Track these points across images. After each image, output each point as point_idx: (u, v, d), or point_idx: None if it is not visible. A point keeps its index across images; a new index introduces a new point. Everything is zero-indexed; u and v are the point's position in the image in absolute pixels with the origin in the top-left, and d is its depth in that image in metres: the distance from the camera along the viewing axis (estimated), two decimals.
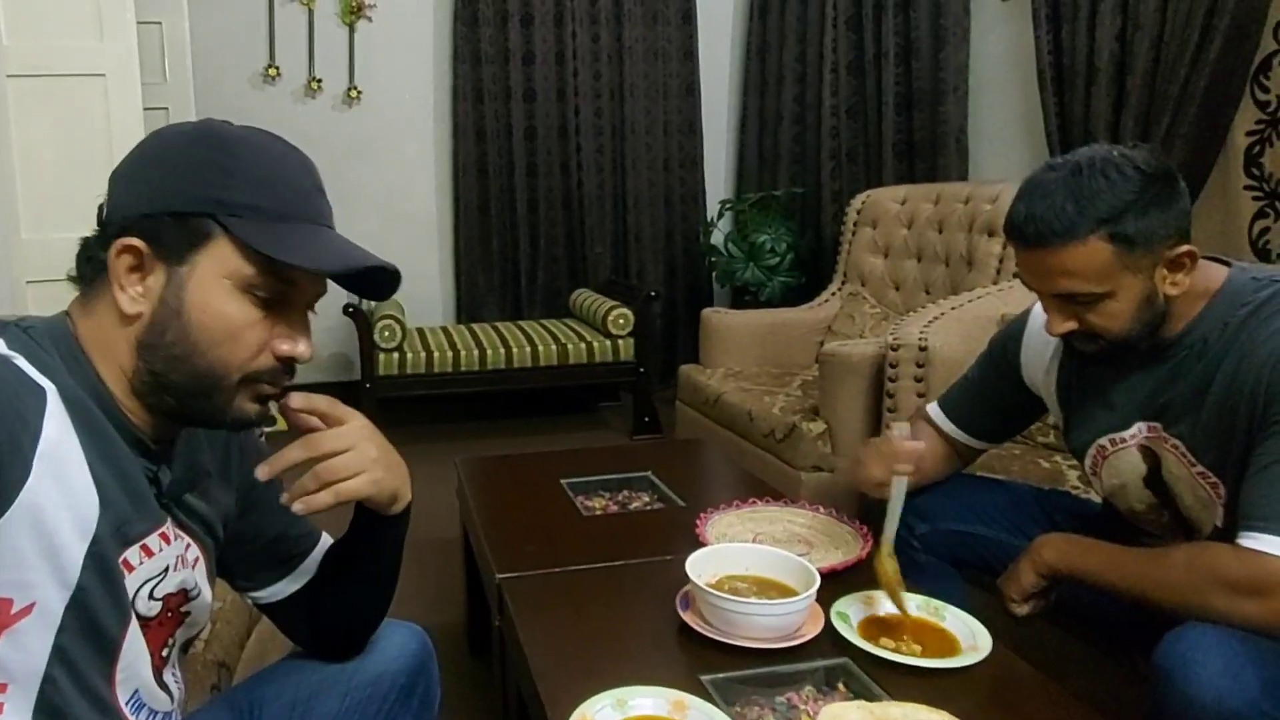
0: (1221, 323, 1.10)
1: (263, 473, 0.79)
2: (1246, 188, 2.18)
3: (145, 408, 0.76)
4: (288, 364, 0.78)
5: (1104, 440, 1.24)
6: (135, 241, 0.72)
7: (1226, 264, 1.15)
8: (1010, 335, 1.37)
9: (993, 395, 1.40)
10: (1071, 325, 1.12)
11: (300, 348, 0.77)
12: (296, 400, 0.80)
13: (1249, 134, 2.17)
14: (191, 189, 0.72)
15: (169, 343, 0.73)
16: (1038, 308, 1.30)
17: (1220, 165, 2.24)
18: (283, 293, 0.75)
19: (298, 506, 0.80)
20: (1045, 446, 1.90)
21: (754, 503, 1.54)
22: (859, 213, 3.21)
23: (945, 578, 1.37)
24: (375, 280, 0.79)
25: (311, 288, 0.78)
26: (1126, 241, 1.04)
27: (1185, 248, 1.07)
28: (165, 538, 0.79)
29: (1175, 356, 1.14)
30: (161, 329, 0.73)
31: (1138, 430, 1.20)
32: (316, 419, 0.81)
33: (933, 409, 1.46)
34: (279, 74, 3.85)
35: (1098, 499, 1.45)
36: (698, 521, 1.44)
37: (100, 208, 0.76)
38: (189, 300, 0.72)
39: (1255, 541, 1.00)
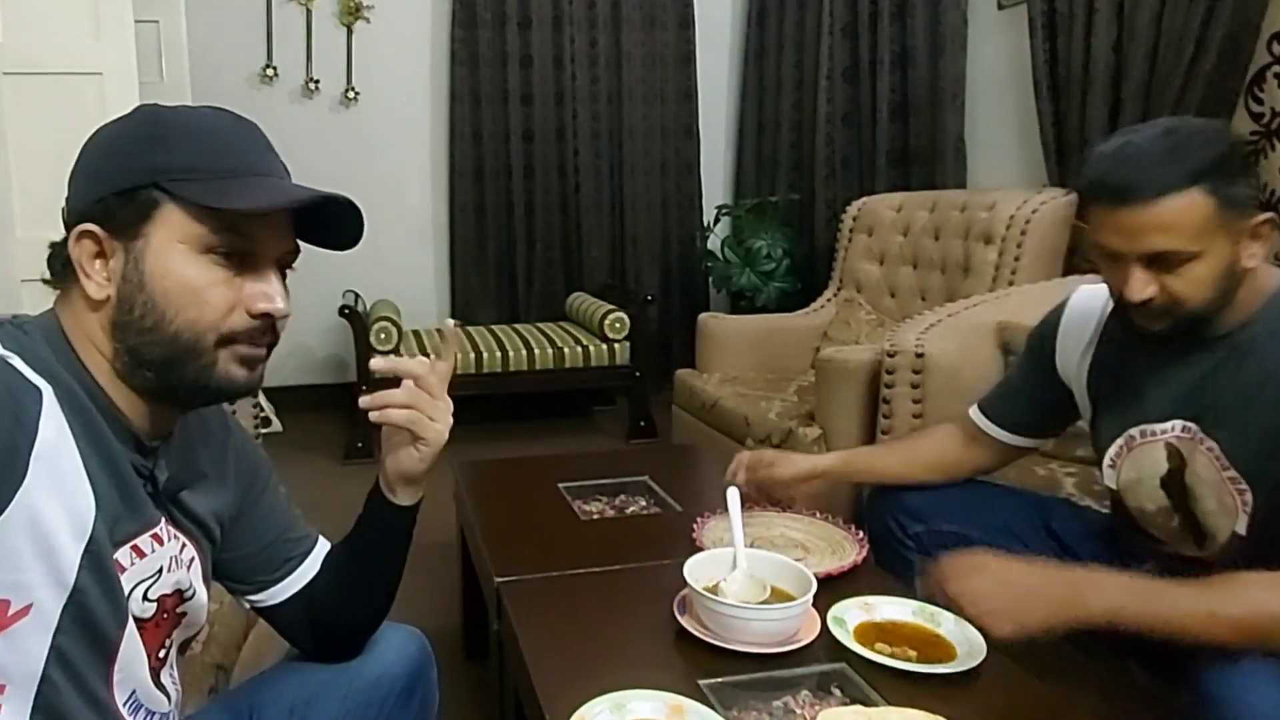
0: (1276, 320, 1.08)
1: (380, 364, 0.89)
2: None
3: (134, 394, 0.76)
4: (265, 322, 0.77)
5: (1135, 430, 1.22)
6: (90, 227, 0.73)
7: None
8: (1046, 326, 1.36)
9: (1028, 389, 1.40)
10: (1153, 290, 1.07)
11: (276, 302, 0.77)
12: (379, 364, 0.88)
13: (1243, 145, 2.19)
14: (129, 163, 0.74)
15: (138, 317, 0.73)
16: (1075, 298, 1.30)
17: None
18: (244, 248, 0.75)
19: (371, 406, 0.87)
20: (1043, 455, 1.91)
21: (751, 508, 1.54)
22: (855, 219, 3.22)
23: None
24: (336, 224, 0.80)
25: (274, 241, 0.77)
26: (1225, 198, 1.02)
27: (1267, 215, 1.06)
28: (158, 538, 0.78)
29: (1220, 352, 1.11)
30: (129, 305, 0.73)
31: (1172, 427, 1.17)
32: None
33: (972, 411, 1.46)
34: (276, 74, 3.85)
35: (1095, 508, 1.45)
36: (695, 526, 1.44)
37: (63, 210, 0.77)
38: (148, 271, 0.73)
39: None
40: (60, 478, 0.67)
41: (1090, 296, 1.30)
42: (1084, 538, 1.37)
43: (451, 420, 0.90)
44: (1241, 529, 1.13)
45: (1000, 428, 1.42)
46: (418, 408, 0.87)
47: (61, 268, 0.76)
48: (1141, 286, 1.07)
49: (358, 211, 0.80)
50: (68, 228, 0.75)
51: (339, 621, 0.98)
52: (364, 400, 0.88)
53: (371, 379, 3.51)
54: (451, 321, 0.92)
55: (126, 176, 0.73)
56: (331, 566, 0.99)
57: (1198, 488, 1.16)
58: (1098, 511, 1.48)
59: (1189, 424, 1.16)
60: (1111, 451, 1.26)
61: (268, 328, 0.78)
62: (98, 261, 0.74)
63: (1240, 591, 0.98)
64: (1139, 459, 1.23)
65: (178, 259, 0.73)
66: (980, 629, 1.09)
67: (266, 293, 0.76)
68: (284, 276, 0.80)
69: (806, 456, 1.35)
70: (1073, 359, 1.31)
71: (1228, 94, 2.17)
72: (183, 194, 0.72)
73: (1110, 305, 1.22)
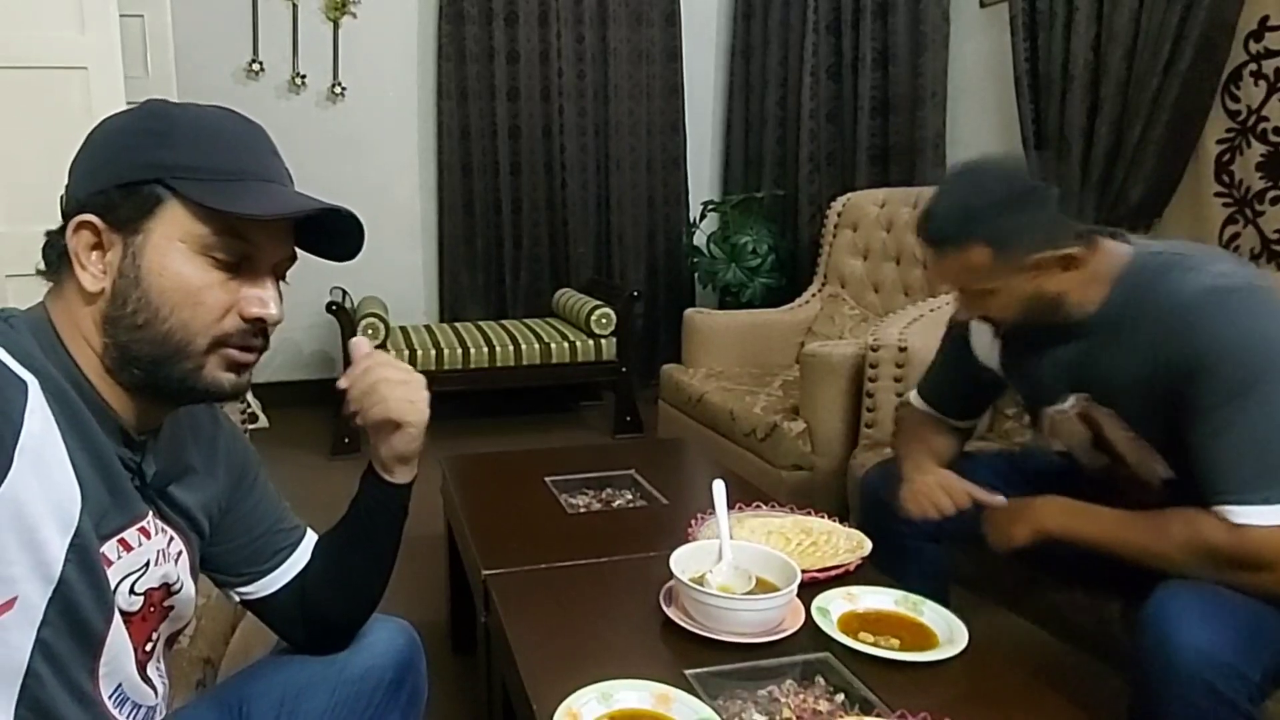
0: (1128, 298, 1.19)
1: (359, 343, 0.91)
2: (1217, 195, 2.23)
3: (121, 389, 0.75)
4: (258, 327, 0.77)
5: (1049, 409, 1.35)
6: (89, 218, 0.73)
7: (1129, 241, 1.25)
8: (959, 321, 1.49)
9: (956, 374, 1.50)
10: (971, 310, 1.28)
11: (271, 309, 0.76)
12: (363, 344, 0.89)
13: (1219, 142, 2.22)
14: (134, 157, 0.73)
15: (131, 312, 0.73)
16: None
17: (1191, 172, 2.29)
18: (243, 252, 0.75)
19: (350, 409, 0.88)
20: (981, 440, 1.94)
21: (758, 506, 1.54)
22: (839, 215, 3.25)
23: (929, 552, 1.46)
24: (337, 235, 0.80)
25: (273, 248, 0.77)
26: (1004, 246, 1.17)
27: (1065, 251, 1.18)
28: (145, 532, 0.78)
29: (1092, 334, 1.23)
30: (123, 300, 0.73)
31: (1074, 401, 1.30)
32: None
33: (913, 397, 1.56)
34: (262, 69, 3.83)
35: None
36: (691, 524, 1.44)
37: (61, 199, 0.77)
38: (145, 266, 0.72)
39: (1238, 515, 1.07)
40: (45, 471, 0.67)
41: None
42: (1063, 484, 1.43)
43: (427, 393, 0.90)
44: (1165, 473, 1.25)
45: (940, 412, 1.52)
46: (386, 393, 0.88)
47: (57, 259, 0.75)
48: (964, 309, 1.30)
49: (360, 225, 0.80)
50: (66, 218, 0.75)
51: (331, 611, 0.98)
52: (347, 409, 0.89)
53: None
54: (362, 340, 0.93)
55: (131, 170, 0.73)
56: (324, 555, 0.99)
57: (1117, 445, 1.29)
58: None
59: (1083, 397, 1.29)
60: (1044, 427, 1.39)
61: (259, 332, 0.77)
62: (94, 253, 0.74)
63: (1158, 522, 1.15)
64: (1064, 432, 1.35)
65: (176, 257, 0.73)
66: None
67: (262, 298, 0.76)
68: (279, 283, 0.80)
69: (947, 489, 1.41)
70: (985, 347, 1.44)
71: (1204, 92, 2.20)
72: (187, 193, 0.72)
73: None
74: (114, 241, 0.73)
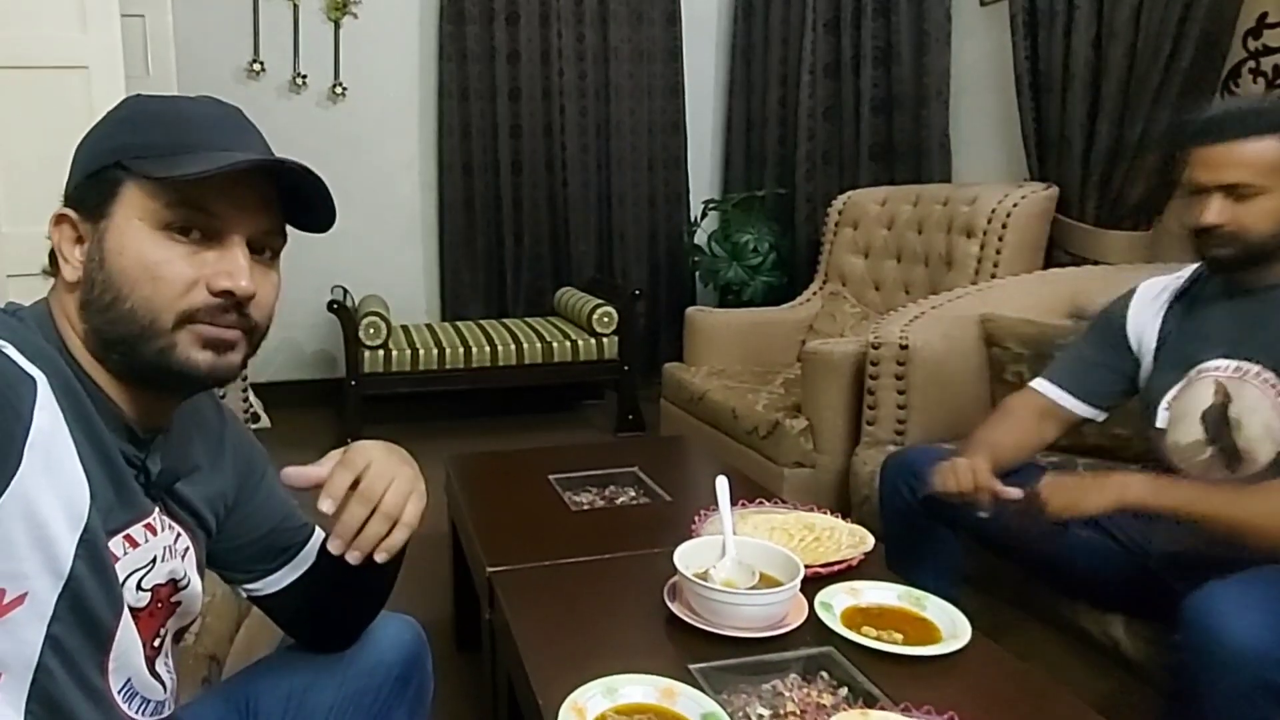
0: None
1: (326, 505, 0.79)
2: None
3: (117, 380, 0.76)
4: (229, 301, 0.74)
5: (1193, 371, 1.37)
6: (65, 211, 0.74)
7: None
8: (1117, 305, 1.53)
9: (1101, 359, 1.52)
10: (1224, 218, 1.28)
11: (240, 281, 0.73)
12: (326, 504, 0.79)
13: None
14: (98, 145, 0.75)
15: (98, 295, 0.73)
16: (1145, 284, 1.51)
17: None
18: (204, 224, 0.73)
19: (379, 556, 0.80)
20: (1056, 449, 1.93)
21: (760, 503, 1.54)
22: (840, 213, 3.25)
23: (944, 541, 1.51)
24: (312, 206, 0.78)
25: (241, 218, 0.74)
26: None
27: None
28: (151, 528, 0.78)
29: (1271, 299, 1.31)
30: (91, 284, 0.73)
31: (1225, 366, 1.33)
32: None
33: (1039, 384, 1.57)
34: (264, 69, 3.84)
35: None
36: (695, 520, 1.44)
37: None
38: (107, 248, 0.72)
39: None
40: (55, 467, 0.67)
41: (1159, 280, 1.50)
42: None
43: (406, 499, 0.83)
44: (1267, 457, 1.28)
45: (1074, 397, 1.53)
46: (371, 529, 0.81)
47: (51, 252, 0.77)
48: (1217, 212, 1.28)
49: (324, 187, 0.77)
50: None
51: (339, 611, 0.99)
52: (351, 557, 0.81)
53: (361, 375, 3.49)
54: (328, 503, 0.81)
55: (94, 158, 0.74)
56: (331, 556, 1.00)
57: (1243, 416, 1.31)
58: None
59: (1241, 364, 1.32)
60: (1170, 394, 1.40)
61: (231, 307, 0.74)
62: (76, 246, 0.75)
63: (1262, 493, 1.20)
64: (1190, 396, 1.37)
65: (135, 235, 0.72)
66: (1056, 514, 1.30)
67: (229, 271, 0.73)
68: (272, 259, 0.78)
69: (974, 469, 1.43)
70: (1146, 323, 1.47)
71: (1204, 89, 2.21)
72: (139, 169, 0.72)
73: (1179, 282, 1.45)
74: (87, 232, 0.74)
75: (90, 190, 0.73)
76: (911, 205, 2.98)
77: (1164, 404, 1.40)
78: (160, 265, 0.72)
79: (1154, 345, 1.45)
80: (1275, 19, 2.09)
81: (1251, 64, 2.14)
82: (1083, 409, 1.53)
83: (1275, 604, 1.04)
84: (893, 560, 1.46)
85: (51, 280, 0.78)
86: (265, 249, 0.78)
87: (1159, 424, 1.41)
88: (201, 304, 0.73)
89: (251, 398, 2.82)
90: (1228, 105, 1.36)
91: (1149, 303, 1.48)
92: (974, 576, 1.62)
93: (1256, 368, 1.30)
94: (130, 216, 0.72)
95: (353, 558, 0.80)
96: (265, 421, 3.48)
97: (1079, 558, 1.44)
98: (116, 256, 0.72)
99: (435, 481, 1.10)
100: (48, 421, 0.67)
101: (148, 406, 0.78)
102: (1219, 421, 1.33)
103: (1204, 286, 1.42)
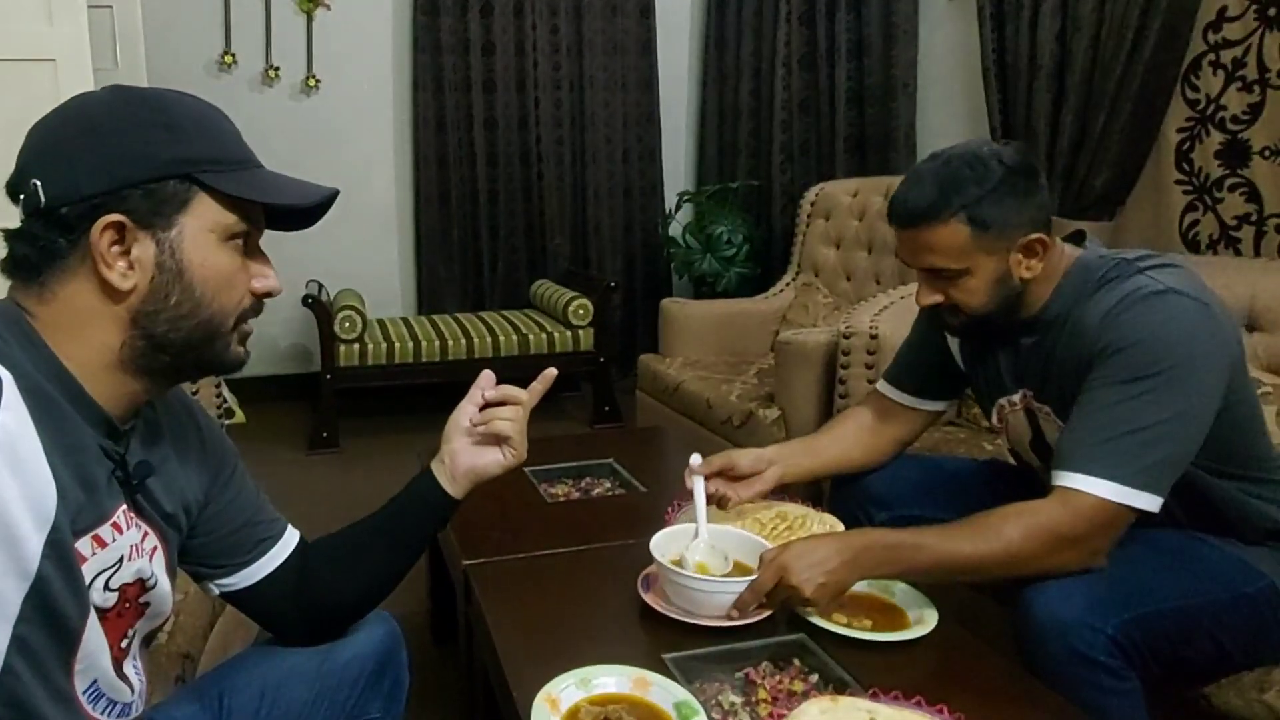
0: (1072, 299, 1.23)
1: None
2: (1177, 182, 2.29)
3: (118, 379, 0.76)
4: (261, 300, 0.84)
5: (1002, 401, 1.37)
6: (118, 217, 0.73)
7: (1082, 246, 1.28)
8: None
9: (927, 356, 1.51)
10: (937, 298, 1.27)
11: (273, 281, 0.84)
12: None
13: (1179, 131, 2.27)
14: (153, 153, 0.74)
15: (174, 304, 0.76)
16: None
17: (1153, 160, 2.34)
18: (249, 235, 0.82)
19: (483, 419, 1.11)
20: (989, 430, 1.98)
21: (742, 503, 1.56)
22: (813, 205, 3.28)
23: None
24: (298, 211, 0.84)
25: (261, 226, 0.84)
26: (981, 224, 1.19)
27: (1036, 236, 1.21)
28: (118, 527, 0.78)
29: (1038, 331, 1.28)
30: (164, 294, 0.76)
31: (1021, 396, 1.34)
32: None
33: (881, 386, 1.57)
34: (235, 62, 3.79)
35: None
36: (668, 511, 1.46)
37: (16, 194, 0.75)
38: (187, 259, 0.76)
39: (1067, 480, 1.12)
40: (21, 466, 0.66)
41: None
42: (1030, 488, 1.46)
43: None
44: None
45: (911, 395, 1.53)
46: (519, 424, 1.08)
47: (38, 254, 0.74)
48: (926, 294, 1.28)
49: (334, 198, 0.85)
50: (49, 214, 0.73)
51: (339, 600, 1.00)
52: (477, 415, 1.12)
53: (336, 369, 3.46)
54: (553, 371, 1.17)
55: (153, 167, 0.74)
56: (344, 544, 1.02)
57: (1054, 445, 1.28)
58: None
59: (1027, 392, 1.32)
60: (994, 419, 1.42)
61: (260, 306, 0.84)
62: (116, 249, 0.74)
63: (980, 529, 1.14)
64: (1012, 426, 1.39)
65: (211, 247, 0.78)
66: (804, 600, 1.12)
67: (266, 273, 0.83)
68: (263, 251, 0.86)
69: (756, 478, 1.42)
70: (951, 339, 1.47)
71: (1165, 82, 2.25)
72: (216, 185, 0.77)
73: None
74: (140, 238, 0.74)
75: (148, 198, 0.74)
76: (882, 196, 3.01)
77: (997, 424, 1.41)
78: (234, 275, 0.80)
79: (961, 361, 1.45)
80: (1234, 13, 2.13)
81: (1211, 57, 2.18)
82: (923, 404, 1.52)
83: (1097, 583, 1.10)
84: None
85: (8, 278, 0.76)
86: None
87: (1004, 446, 1.42)
88: (250, 306, 0.83)
89: (225, 392, 2.80)
90: (915, 179, 1.23)
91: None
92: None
93: (1038, 404, 1.30)
94: (204, 229, 0.77)
95: (478, 416, 1.12)
96: (240, 417, 3.45)
97: None
98: (200, 268, 0.77)
99: (409, 475, 1.10)
100: (14, 421, 0.66)
101: (129, 399, 0.79)
102: (1045, 450, 1.32)
103: None
